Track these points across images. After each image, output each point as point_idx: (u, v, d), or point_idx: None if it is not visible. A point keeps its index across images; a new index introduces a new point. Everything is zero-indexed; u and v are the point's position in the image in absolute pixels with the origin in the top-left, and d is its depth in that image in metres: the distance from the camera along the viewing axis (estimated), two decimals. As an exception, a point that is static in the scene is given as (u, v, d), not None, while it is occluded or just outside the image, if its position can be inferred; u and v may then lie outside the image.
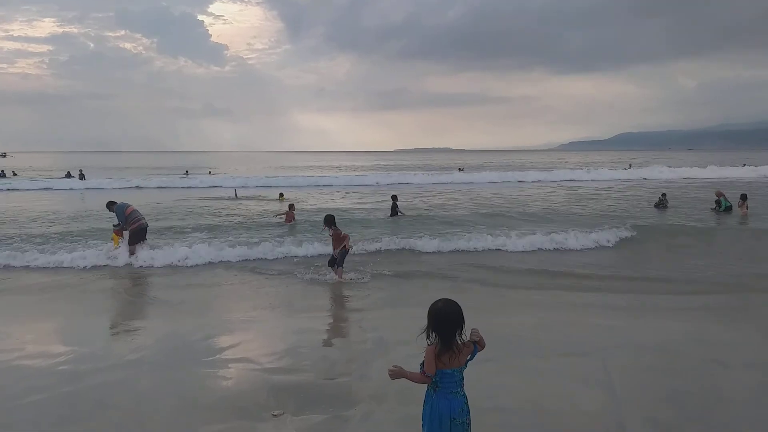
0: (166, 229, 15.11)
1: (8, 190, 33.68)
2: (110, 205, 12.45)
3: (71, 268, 10.93)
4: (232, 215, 19.46)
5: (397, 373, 3.30)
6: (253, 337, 7.06)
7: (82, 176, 41.72)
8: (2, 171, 48.20)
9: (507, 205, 22.83)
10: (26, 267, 11.06)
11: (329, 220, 9.93)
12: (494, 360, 5.41)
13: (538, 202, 23.98)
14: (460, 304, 3.27)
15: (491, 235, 13.20)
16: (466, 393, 3.34)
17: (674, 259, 11.92)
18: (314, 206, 22.37)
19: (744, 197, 18.59)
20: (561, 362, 5.84)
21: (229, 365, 5.89)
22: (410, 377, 3.31)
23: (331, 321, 7.97)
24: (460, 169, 60.27)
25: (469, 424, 3.31)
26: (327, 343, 6.77)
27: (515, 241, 12.80)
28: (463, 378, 3.31)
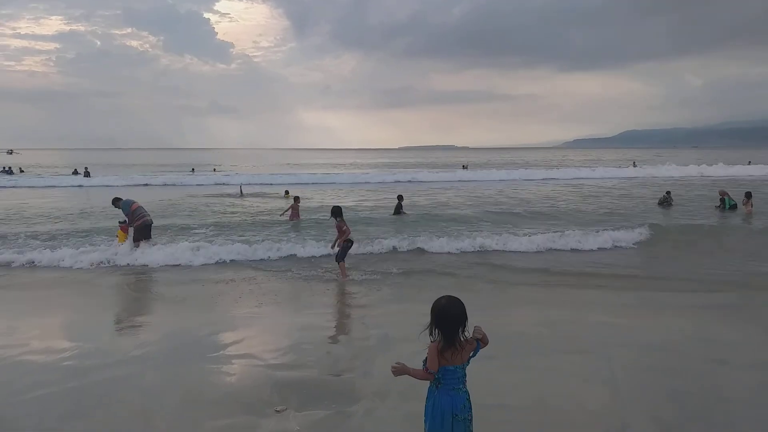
0: (172, 227, 15.16)
1: (15, 186, 33.85)
2: (116, 201, 12.55)
3: (76, 265, 10.97)
4: (238, 213, 19.52)
5: (399, 370, 3.31)
6: (257, 333, 7.09)
7: (87, 174, 41.74)
8: (9, 167, 48.47)
9: (512, 203, 22.80)
10: (32, 263, 11.12)
11: (334, 212, 10.04)
12: (498, 357, 5.41)
13: (543, 200, 23.92)
14: (463, 301, 3.27)
15: (497, 234, 13.13)
16: (469, 390, 3.35)
17: (679, 257, 11.88)
18: (319, 204, 22.37)
19: (749, 195, 18.50)
20: (564, 360, 5.84)
21: (233, 361, 5.92)
22: (413, 374, 3.32)
23: (335, 318, 7.99)
24: (464, 166, 59.77)
25: (471, 420, 3.31)
26: (330, 340, 6.79)
27: (520, 240, 12.75)
28: (465, 375, 3.32)
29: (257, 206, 21.78)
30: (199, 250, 11.59)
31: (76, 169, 46.56)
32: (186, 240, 12.60)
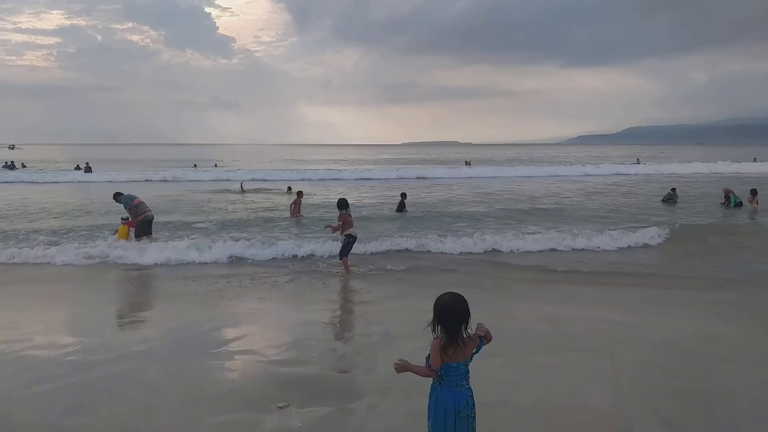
0: (173, 223, 15.17)
1: (16, 182, 33.90)
2: (117, 196, 12.53)
3: (78, 261, 10.92)
4: (239, 209, 19.52)
5: (402, 367, 3.30)
6: (260, 329, 7.09)
7: (88, 169, 41.46)
8: (12, 162, 48.54)
9: (516, 199, 22.76)
10: (33, 259, 11.09)
11: (339, 204, 10.11)
12: (501, 355, 5.40)
13: (547, 196, 23.86)
14: (466, 297, 3.26)
15: (502, 233, 12.94)
16: (472, 387, 3.33)
17: (684, 255, 11.81)
18: (322, 201, 22.36)
19: (754, 192, 18.42)
20: (568, 357, 5.82)
21: (236, 357, 5.92)
22: (416, 371, 3.31)
23: (338, 314, 7.98)
24: (466, 162, 59.54)
25: (474, 417, 3.30)
26: (333, 336, 6.78)
27: (525, 238, 12.61)
28: (468, 371, 3.30)
29: (259, 202, 21.77)
30: (200, 247, 11.54)
31: (78, 165, 46.59)
32: (187, 236, 12.58)
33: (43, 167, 49.42)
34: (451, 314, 3.19)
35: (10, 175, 38.21)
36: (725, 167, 43.83)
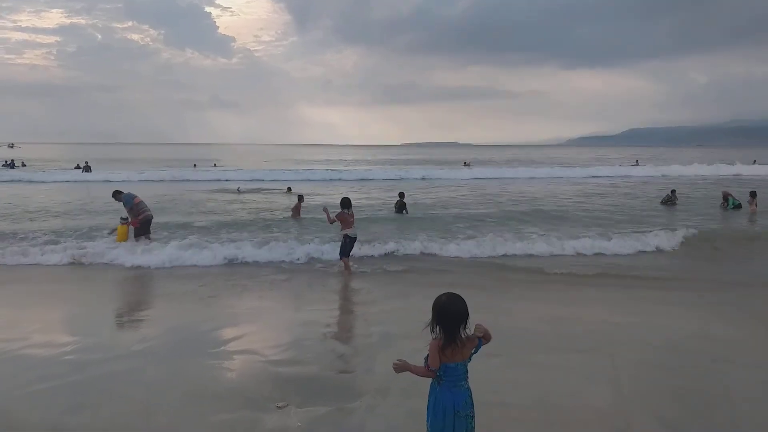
0: (172, 223, 15.14)
1: (14, 181, 33.82)
2: (117, 194, 12.41)
3: (77, 261, 10.89)
4: (238, 209, 19.50)
5: (401, 367, 3.30)
6: (259, 329, 7.09)
7: (87, 168, 41.28)
8: (12, 161, 48.49)
9: (516, 201, 22.74)
10: (32, 259, 11.05)
11: (342, 202, 10.10)
12: (501, 355, 5.41)
13: (547, 198, 23.85)
14: (466, 298, 3.26)
15: (499, 237, 12.82)
16: (472, 387, 3.33)
17: (685, 256, 11.82)
18: (322, 202, 22.35)
19: (754, 194, 18.42)
20: (568, 358, 5.82)
21: (235, 357, 5.92)
22: (414, 371, 3.31)
23: (337, 314, 7.99)
24: (465, 163, 59.31)
25: (472, 417, 3.30)
26: (332, 336, 6.78)
27: (524, 241, 12.50)
28: (467, 371, 3.30)
29: (258, 203, 21.76)
30: (199, 246, 11.52)
31: (78, 164, 46.55)
32: (186, 236, 12.56)
33: (43, 166, 49.39)
34: (449, 315, 3.20)
35: (11, 173, 38.16)
36: (725, 169, 43.85)
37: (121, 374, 5.43)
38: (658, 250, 12.26)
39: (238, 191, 26.99)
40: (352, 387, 5.10)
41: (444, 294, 3.28)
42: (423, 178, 38.09)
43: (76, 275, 10.09)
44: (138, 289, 9.53)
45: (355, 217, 10.22)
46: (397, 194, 18.89)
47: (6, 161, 48.24)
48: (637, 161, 59.52)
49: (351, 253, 10.20)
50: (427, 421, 3.34)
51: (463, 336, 3.22)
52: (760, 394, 5.07)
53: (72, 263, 10.75)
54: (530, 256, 11.60)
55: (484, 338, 3.29)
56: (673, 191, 21.29)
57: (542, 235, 13.09)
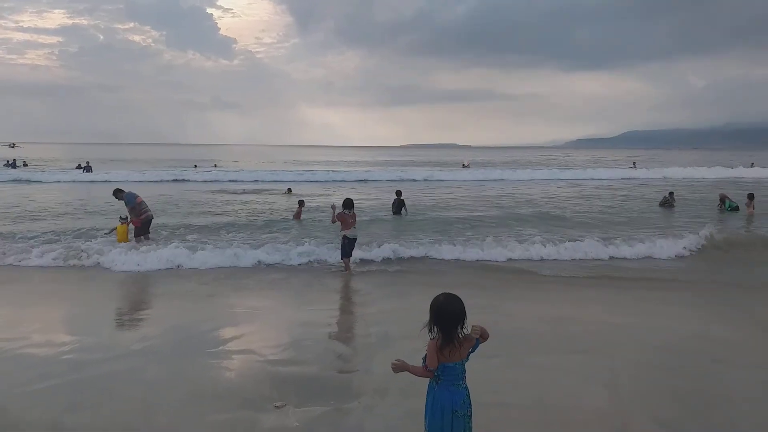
0: (171, 224, 15.16)
1: (15, 180, 33.80)
2: (118, 192, 12.37)
3: (76, 261, 10.87)
4: (238, 209, 19.51)
5: (399, 367, 3.31)
6: (258, 329, 7.10)
7: (88, 168, 41.24)
8: (14, 161, 48.45)
9: (515, 202, 22.77)
10: (32, 260, 11.04)
11: (344, 203, 10.16)
12: (500, 356, 5.44)
13: (546, 200, 23.88)
14: (463, 298, 3.28)
15: (498, 239, 12.76)
16: (469, 387, 3.35)
17: (685, 257, 11.83)
18: (322, 203, 22.35)
19: (751, 197, 18.45)
20: (567, 359, 5.84)
21: (234, 356, 5.94)
22: (412, 371, 3.33)
23: (336, 314, 8.00)
24: (464, 164, 59.13)
25: (470, 416, 3.32)
26: (331, 336, 6.80)
27: (523, 243, 12.47)
28: (464, 371, 3.32)
29: (258, 203, 21.77)
30: (199, 248, 11.52)
31: (79, 164, 46.52)
32: (185, 237, 12.60)
33: (45, 166, 49.36)
34: (446, 315, 3.21)
35: (13, 173, 38.13)
36: (722, 172, 43.91)
37: (120, 374, 5.44)
38: (657, 252, 12.28)
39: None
40: (351, 387, 5.12)
41: (441, 294, 3.30)
42: (425, 180, 38.07)
43: (75, 275, 10.10)
44: (137, 289, 9.54)
45: (356, 218, 10.24)
46: (394, 193, 18.46)
47: (8, 161, 48.21)
48: (634, 163, 59.56)
49: (352, 254, 10.22)
50: (425, 420, 3.36)
51: (460, 336, 3.24)
52: (759, 395, 5.09)
53: (72, 263, 10.76)
54: (529, 257, 11.62)
55: (481, 338, 3.31)
56: (670, 193, 21.34)
57: (541, 236, 13.10)
